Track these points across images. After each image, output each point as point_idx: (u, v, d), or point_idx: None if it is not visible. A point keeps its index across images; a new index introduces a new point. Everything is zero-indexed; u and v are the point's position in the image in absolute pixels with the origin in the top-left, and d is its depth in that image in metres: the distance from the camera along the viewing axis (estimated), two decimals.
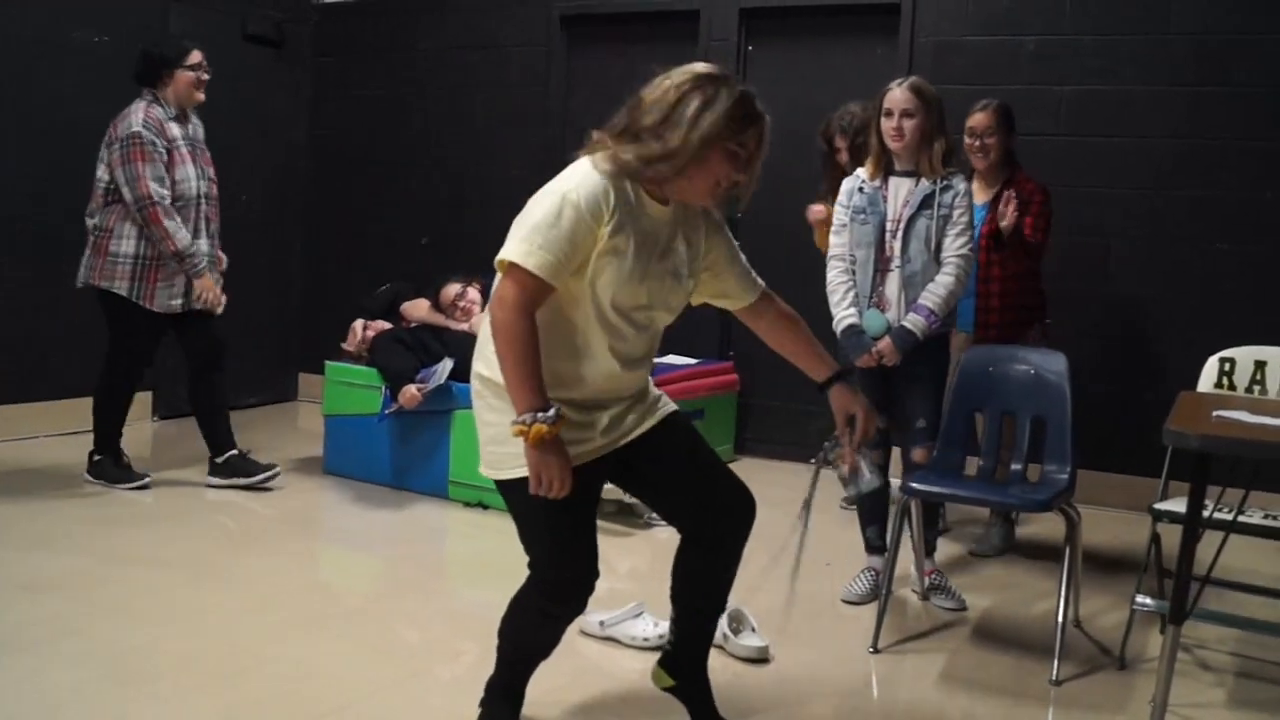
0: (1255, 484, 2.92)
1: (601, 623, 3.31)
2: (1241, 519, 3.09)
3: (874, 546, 3.81)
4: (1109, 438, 4.94)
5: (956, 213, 3.56)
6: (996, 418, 3.61)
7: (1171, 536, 3.19)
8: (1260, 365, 3.49)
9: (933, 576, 3.75)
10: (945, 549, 4.26)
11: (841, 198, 3.73)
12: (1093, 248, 5.11)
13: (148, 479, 4.78)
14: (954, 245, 3.55)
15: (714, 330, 5.91)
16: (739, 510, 2.56)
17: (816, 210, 4.50)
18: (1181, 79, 4.97)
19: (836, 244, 3.71)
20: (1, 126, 5.54)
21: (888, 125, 3.55)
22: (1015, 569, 4.19)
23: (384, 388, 4.86)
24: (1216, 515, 3.09)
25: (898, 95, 3.55)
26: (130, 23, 6.02)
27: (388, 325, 5.19)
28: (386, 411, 4.84)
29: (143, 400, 6.21)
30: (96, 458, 4.80)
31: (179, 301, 4.66)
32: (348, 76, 6.95)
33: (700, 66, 2.31)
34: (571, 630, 3.20)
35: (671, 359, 5.57)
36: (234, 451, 4.86)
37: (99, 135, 6.18)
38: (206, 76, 4.72)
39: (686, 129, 2.22)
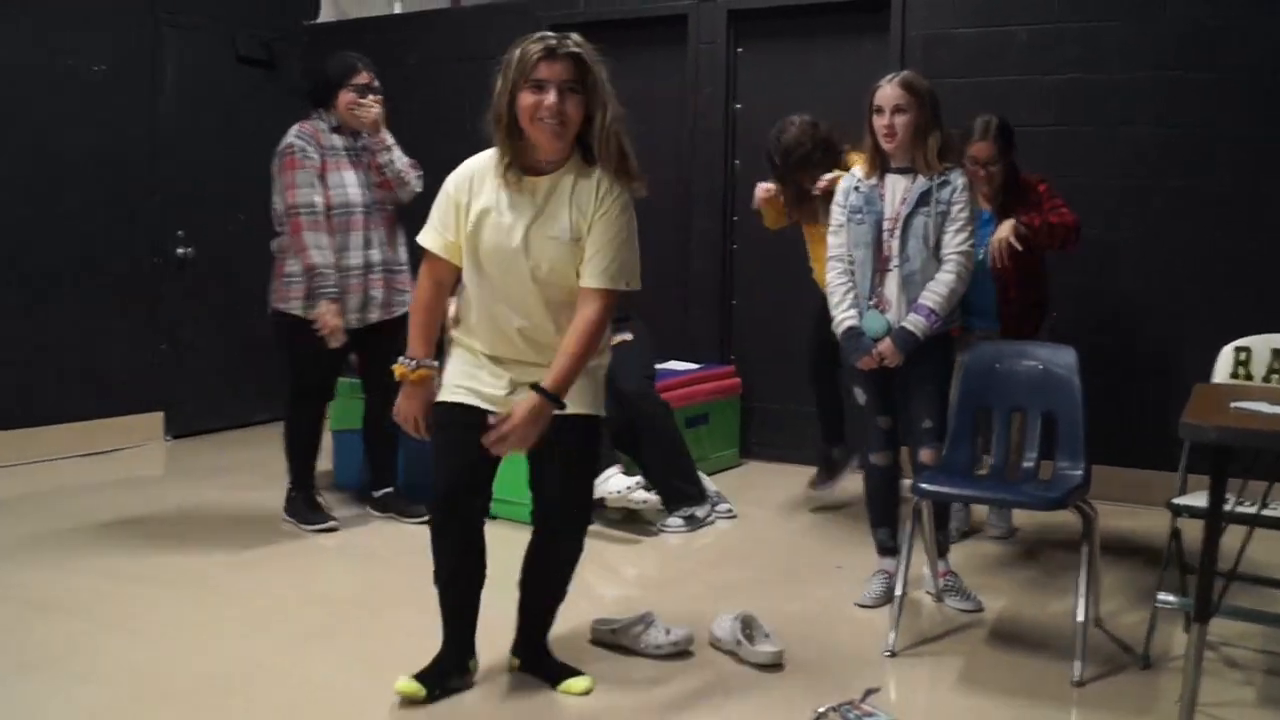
0: (1278, 475, 2.79)
1: (613, 630, 3.19)
2: (1265, 512, 2.96)
3: (886, 548, 3.68)
4: (1121, 432, 4.79)
5: (955, 208, 3.42)
6: (1005, 415, 3.48)
7: (1192, 531, 3.06)
8: (1277, 354, 3.35)
9: (947, 578, 3.62)
10: (960, 550, 4.12)
11: (838, 197, 3.62)
12: (1092, 238, 4.90)
13: (335, 523, 4.46)
14: (954, 242, 3.42)
15: (714, 334, 5.78)
16: (564, 529, 2.80)
17: (764, 189, 4.37)
18: (1171, 65, 4.82)
19: (834, 244, 3.58)
20: None
21: (879, 123, 3.43)
22: (1032, 568, 4.05)
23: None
24: (1238, 509, 2.95)
25: (888, 92, 3.43)
26: (124, 48, 5.93)
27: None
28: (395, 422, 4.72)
29: (154, 420, 6.12)
30: (292, 494, 4.58)
31: (354, 317, 4.33)
32: None
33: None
34: (581, 638, 3.14)
35: (673, 364, 5.45)
36: (389, 489, 4.66)
37: (95, 162, 6.08)
38: (365, 99, 4.39)
39: (495, 97, 2.54)
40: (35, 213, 5.59)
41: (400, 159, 4.45)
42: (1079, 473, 3.25)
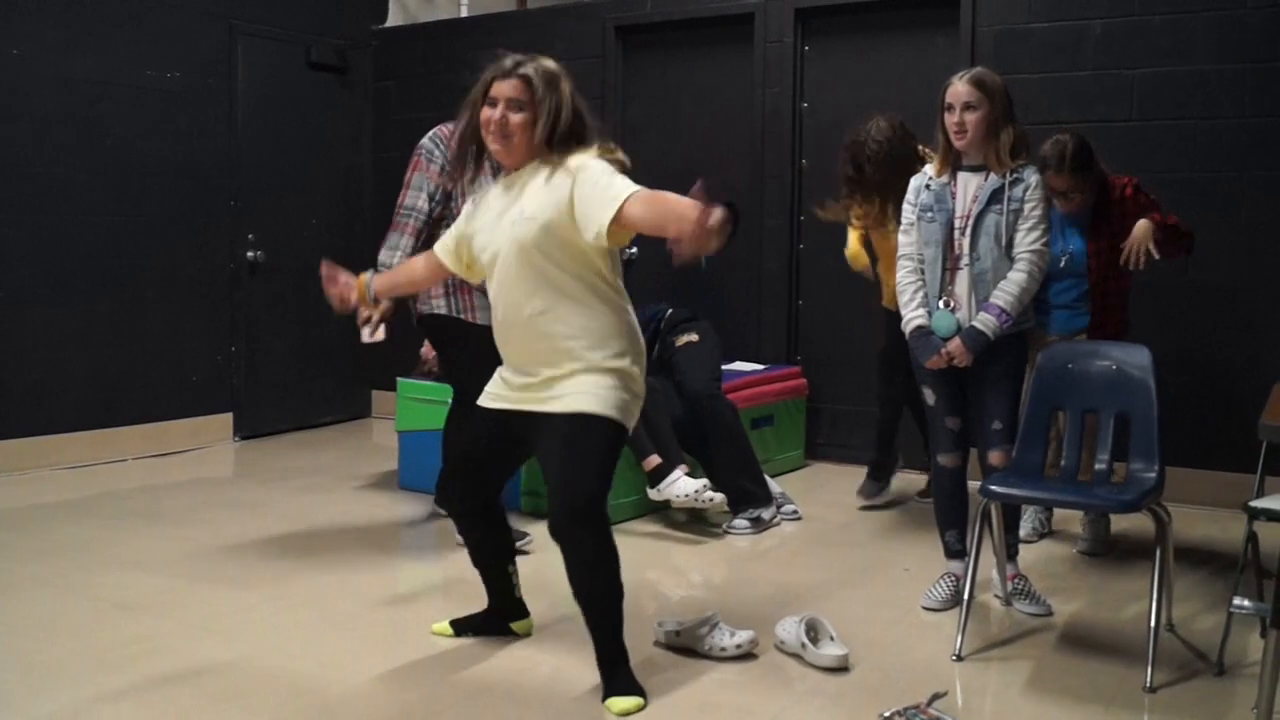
0: None
1: (677, 633, 3.21)
2: None
3: (954, 551, 3.66)
4: (1197, 433, 4.72)
5: (1028, 206, 3.40)
6: (1078, 416, 3.43)
7: (1269, 535, 3.02)
8: None
9: (1015, 581, 3.59)
10: (1030, 553, 4.09)
11: (909, 195, 3.60)
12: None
13: (529, 537, 4.25)
14: (1026, 240, 3.39)
15: (781, 335, 5.79)
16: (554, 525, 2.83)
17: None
18: (1256, 56, 4.73)
19: (905, 243, 3.57)
20: (78, 166, 5.61)
21: (950, 120, 3.42)
22: (1103, 572, 4.01)
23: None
24: None
25: (959, 88, 3.41)
26: (199, 58, 6.10)
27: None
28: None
29: (223, 420, 6.28)
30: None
31: None
32: (407, 99, 6.96)
33: None
34: (645, 640, 3.17)
35: (738, 365, 5.48)
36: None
37: (173, 170, 6.28)
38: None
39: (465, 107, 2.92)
40: (118, 220, 5.78)
41: None
42: (1153, 475, 3.21)
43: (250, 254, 6.36)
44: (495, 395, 2.96)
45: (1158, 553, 3.10)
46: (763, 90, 5.83)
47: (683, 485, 4.32)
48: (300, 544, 4.35)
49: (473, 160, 2.95)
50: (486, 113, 2.81)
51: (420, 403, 5.06)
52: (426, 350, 5.13)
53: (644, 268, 5.35)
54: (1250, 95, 4.75)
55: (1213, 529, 4.49)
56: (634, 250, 5.10)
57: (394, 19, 7.17)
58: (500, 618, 3.29)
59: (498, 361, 2.98)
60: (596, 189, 2.70)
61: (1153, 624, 3.03)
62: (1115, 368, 3.40)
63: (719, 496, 4.35)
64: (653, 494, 4.41)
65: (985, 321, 3.38)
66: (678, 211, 2.50)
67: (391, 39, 7.04)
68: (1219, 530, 4.45)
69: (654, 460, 4.39)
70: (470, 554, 3.25)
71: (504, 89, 2.79)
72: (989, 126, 3.40)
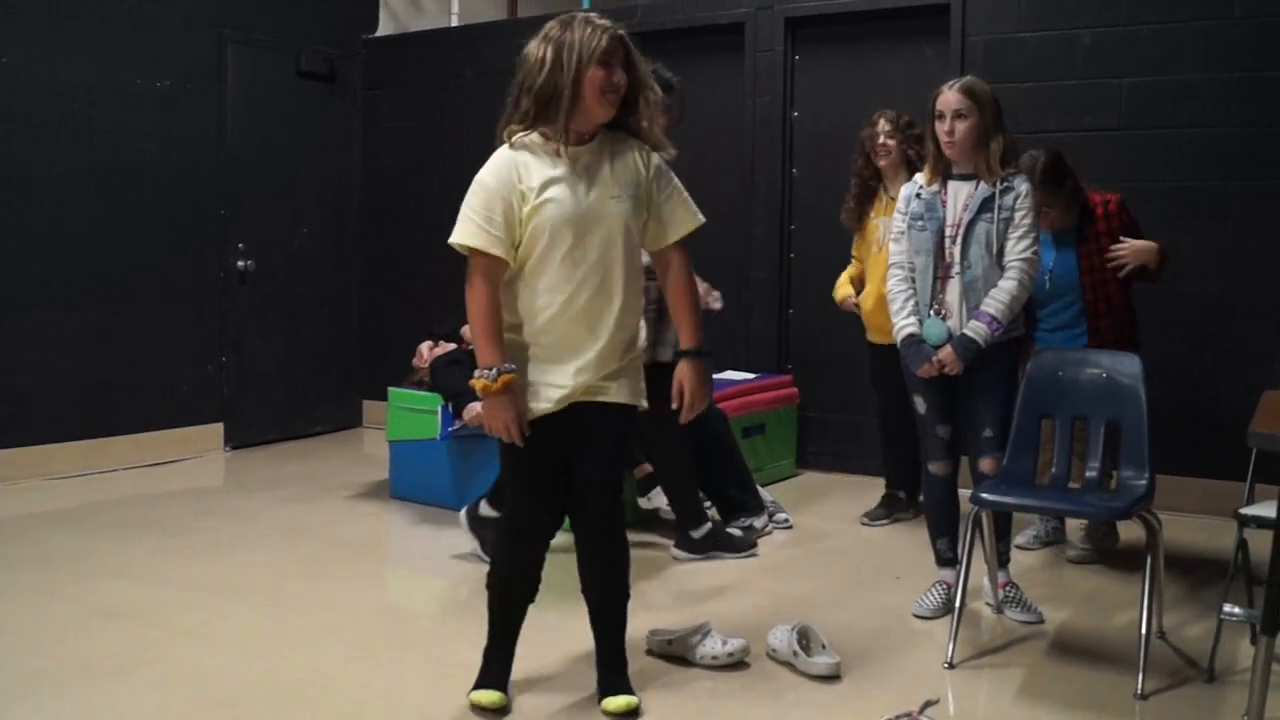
0: None
1: (669, 641, 3.22)
2: None
3: (945, 559, 3.68)
4: (1187, 441, 4.75)
5: (1019, 215, 3.42)
6: (1068, 424, 3.46)
7: (1259, 542, 3.03)
8: None
9: (1007, 589, 3.61)
10: (1021, 560, 4.11)
11: (900, 204, 3.63)
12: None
13: (755, 548, 4.32)
14: (1017, 248, 3.42)
15: (771, 344, 5.81)
16: (609, 527, 2.81)
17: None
18: (1243, 65, 4.78)
19: (895, 251, 3.60)
20: (67, 173, 5.61)
21: (940, 129, 3.45)
22: (1094, 579, 4.03)
23: (442, 407, 4.86)
24: None
25: (949, 97, 3.44)
26: (187, 65, 6.11)
27: (453, 347, 5.17)
28: (449, 429, 4.82)
29: (214, 430, 6.27)
30: (698, 532, 4.27)
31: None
32: (397, 108, 6.98)
33: (549, 25, 2.70)
34: (637, 649, 3.17)
35: (729, 374, 5.49)
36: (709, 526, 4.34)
37: (162, 177, 6.29)
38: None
39: (555, 70, 2.61)
40: (107, 228, 5.78)
41: None
42: (1143, 483, 3.23)
43: (240, 263, 6.37)
44: (561, 396, 2.69)
45: (1148, 560, 3.12)
46: (753, 99, 5.86)
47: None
48: (290, 553, 4.35)
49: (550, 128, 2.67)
50: (602, 74, 2.60)
51: (411, 412, 5.06)
52: (418, 359, 5.14)
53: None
54: (1237, 104, 4.80)
55: (1203, 536, 4.51)
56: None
57: (384, 28, 7.19)
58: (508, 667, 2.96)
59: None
60: (680, 195, 2.79)
61: (1144, 631, 3.05)
62: (1105, 376, 3.42)
63: (704, 527, 4.29)
64: (643, 502, 4.42)
65: (976, 330, 3.40)
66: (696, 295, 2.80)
67: (381, 48, 7.06)
68: (1209, 538, 4.47)
69: (645, 468, 4.40)
70: (515, 600, 2.90)
71: (615, 50, 2.63)
72: (979, 135, 3.43)
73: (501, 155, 2.68)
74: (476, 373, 2.61)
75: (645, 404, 2.82)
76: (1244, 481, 3.29)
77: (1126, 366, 3.41)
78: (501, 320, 2.66)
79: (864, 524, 4.71)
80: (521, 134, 2.66)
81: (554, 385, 2.68)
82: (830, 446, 5.75)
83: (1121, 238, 4.02)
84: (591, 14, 2.68)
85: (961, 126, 3.42)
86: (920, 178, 3.59)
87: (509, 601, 2.88)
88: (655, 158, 2.76)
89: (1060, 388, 3.47)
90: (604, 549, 2.81)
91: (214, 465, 6.04)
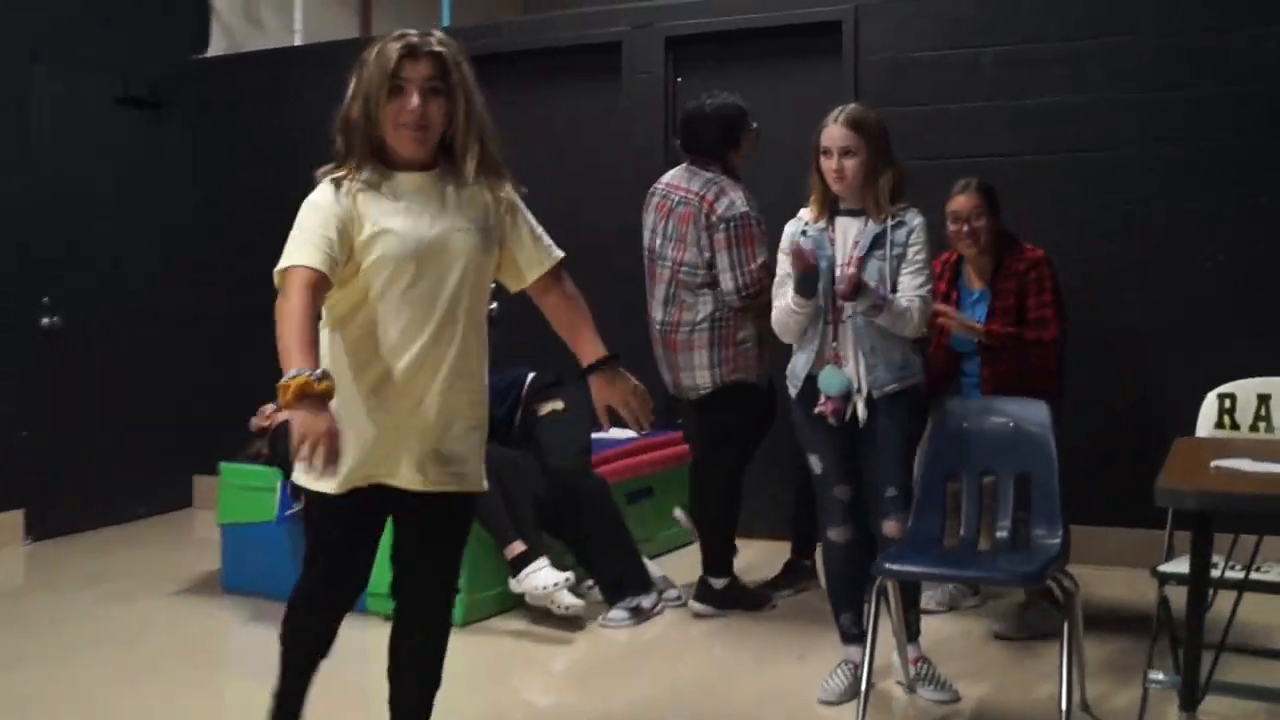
0: (1270, 527, 2.90)
1: None
2: (1256, 575, 3.06)
3: (850, 636, 3.74)
4: (1106, 489, 4.90)
5: (911, 250, 3.55)
6: (975, 480, 3.58)
7: (1183, 599, 3.15)
8: (1264, 400, 3.49)
9: (918, 665, 3.69)
10: (933, 629, 4.19)
11: (784, 243, 3.72)
12: (1068, 273, 5.04)
13: (774, 603, 4.65)
14: (911, 285, 3.54)
15: (659, 397, 5.83)
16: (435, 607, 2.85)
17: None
18: (1151, 84, 5.04)
19: (780, 296, 3.68)
20: None
21: (827, 165, 3.57)
22: (1012, 649, 4.13)
23: (283, 483, 4.78)
24: (1229, 571, 3.05)
25: (834, 132, 3.56)
26: None
27: None
28: (287, 512, 4.75)
29: (11, 520, 6.06)
30: (719, 583, 4.58)
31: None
32: (236, 137, 6.91)
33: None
34: None
35: (612, 432, 5.50)
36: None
37: None
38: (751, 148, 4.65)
39: (353, 99, 2.62)
40: None
41: None
42: (1056, 541, 3.36)
43: (45, 319, 6.19)
44: (386, 465, 2.66)
45: (1065, 628, 3.22)
46: (631, 126, 5.96)
47: (542, 577, 4.34)
48: (106, 662, 4.23)
49: (371, 162, 2.65)
50: (395, 101, 2.58)
51: (246, 490, 4.99)
52: (260, 419, 5.06)
53: (503, 324, 5.38)
54: (1149, 124, 5.04)
55: (1127, 591, 4.66)
56: (494, 305, 5.15)
57: (216, 47, 7.13)
58: None
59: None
60: (535, 229, 2.82)
61: (1064, 706, 3.15)
62: (1012, 425, 3.56)
63: (576, 604, 4.35)
64: (513, 585, 4.41)
65: (876, 287, 3.48)
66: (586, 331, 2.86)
67: (215, 70, 6.98)
68: (1134, 592, 4.60)
69: (517, 547, 4.39)
70: (304, 676, 2.91)
71: (420, 70, 2.58)
72: (868, 170, 3.55)
73: (327, 184, 2.65)
74: (288, 373, 2.35)
75: (486, 487, 2.82)
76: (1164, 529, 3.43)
77: (1034, 415, 3.55)
78: (315, 328, 2.52)
79: (766, 597, 4.77)
80: (339, 174, 2.63)
81: (378, 451, 2.63)
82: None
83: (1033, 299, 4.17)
84: (408, 32, 2.63)
85: (850, 164, 3.54)
86: (805, 213, 3.70)
87: (300, 664, 2.86)
88: (508, 189, 2.78)
89: (966, 440, 3.60)
90: (424, 638, 2.82)
91: (11, 561, 5.83)
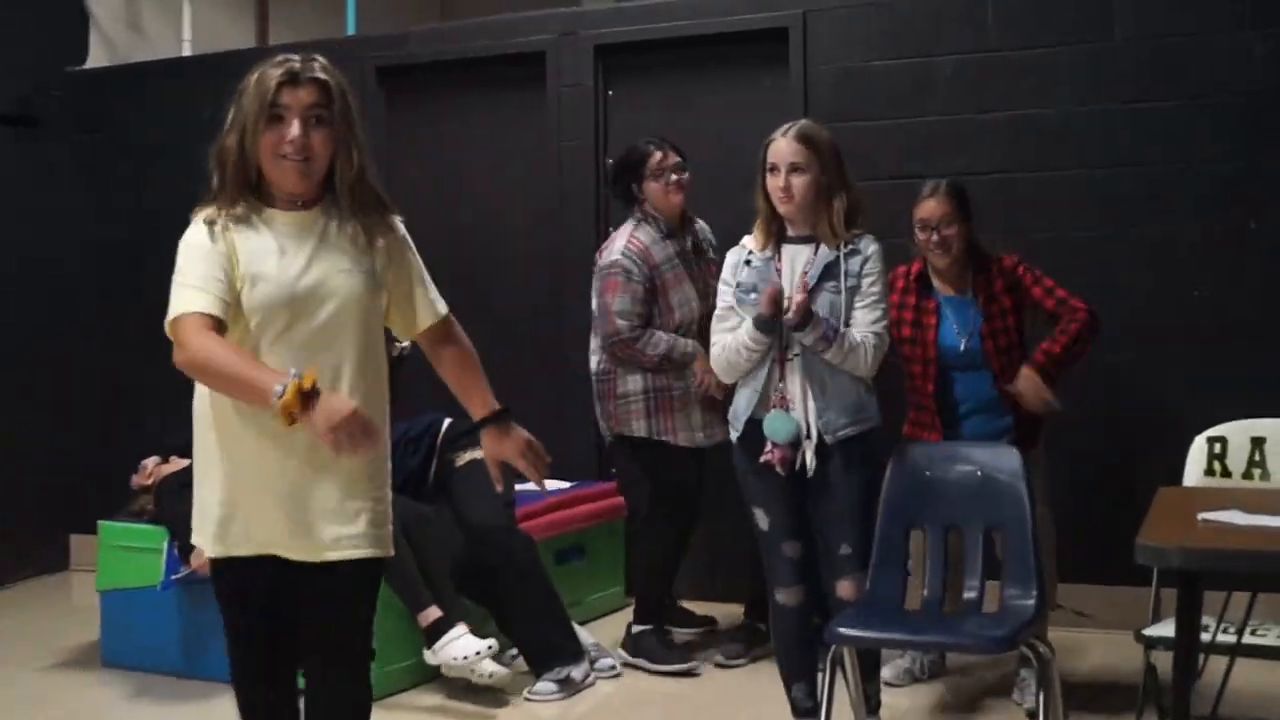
0: (1266, 584, 2.87)
1: None
2: (1251, 639, 3.02)
3: (803, 709, 3.69)
4: (1087, 541, 4.84)
5: (866, 281, 3.52)
6: (940, 534, 3.53)
7: (1169, 664, 3.10)
8: (1258, 443, 3.48)
9: None
10: (896, 699, 4.12)
11: (725, 273, 3.70)
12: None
13: (698, 665, 4.71)
14: (866, 319, 3.51)
15: (591, 444, 5.76)
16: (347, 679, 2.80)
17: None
18: (1128, 95, 5.01)
19: (720, 331, 3.65)
20: None
21: (773, 184, 3.53)
22: (987, 716, 4.06)
23: (168, 546, 4.69)
24: (1221, 636, 3.01)
25: (782, 146, 3.53)
26: None
27: (188, 464, 5.00)
28: (173, 577, 4.65)
29: None
30: (638, 629, 4.76)
31: (703, 434, 4.71)
32: (120, 158, 6.77)
33: None
34: None
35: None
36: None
37: None
38: (676, 178, 4.77)
39: (230, 129, 2.64)
40: None
41: None
42: (1031, 603, 3.30)
43: None
44: (270, 532, 2.67)
45: (1041, 698, 3.17)
46: (558, 144, 5.89)
47: (460, 646, 4.27)
48: None
49: (246, 198, 2.66)
50: (274, 131, 2.59)
51: (127, 552, 4.89)
52: (141, 475, 4.95)
53: (414, 366, 5.27)
54: (1128, 139, 5.01)
55: (1110, 654, 4.61)
56: (406, 344, 5.08)
57: (96, 59, 7.01)
58: None
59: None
60: (421, 281, 2.81)
61: None
62: (980, 474, 3.52)
63: (500, 671, 4.31)
64: (429, 656, 4.33)
65: (825, 316, 3.44)
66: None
67: (95, 83, 6.86)
68: (1118, 657, 4.55)
69: (432, 614, 4.33)
70: None
71: (300, 97, 2.59)
72: (819, 190, 3.52)
73: (199, 224, 2.65)
74: (274, 394, 2.36)
75: (392, 551, 2.76)
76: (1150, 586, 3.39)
77: (1005, 462, 3.52)
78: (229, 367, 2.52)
79: (717, 665, 4.70)
80: (210, 212, 2.64)
81: (261, 519, 2.63)
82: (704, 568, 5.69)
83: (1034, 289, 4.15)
84: (290, 57, 2.64)
85: (799, 182, 3.51)
86: (749, 241, 3.65)
87: None
88: (397, 226, 2.77)
89: (928, 490, 3.56)
90: (340, 714, 2.79)
91: None
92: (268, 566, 2.66)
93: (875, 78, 5.38)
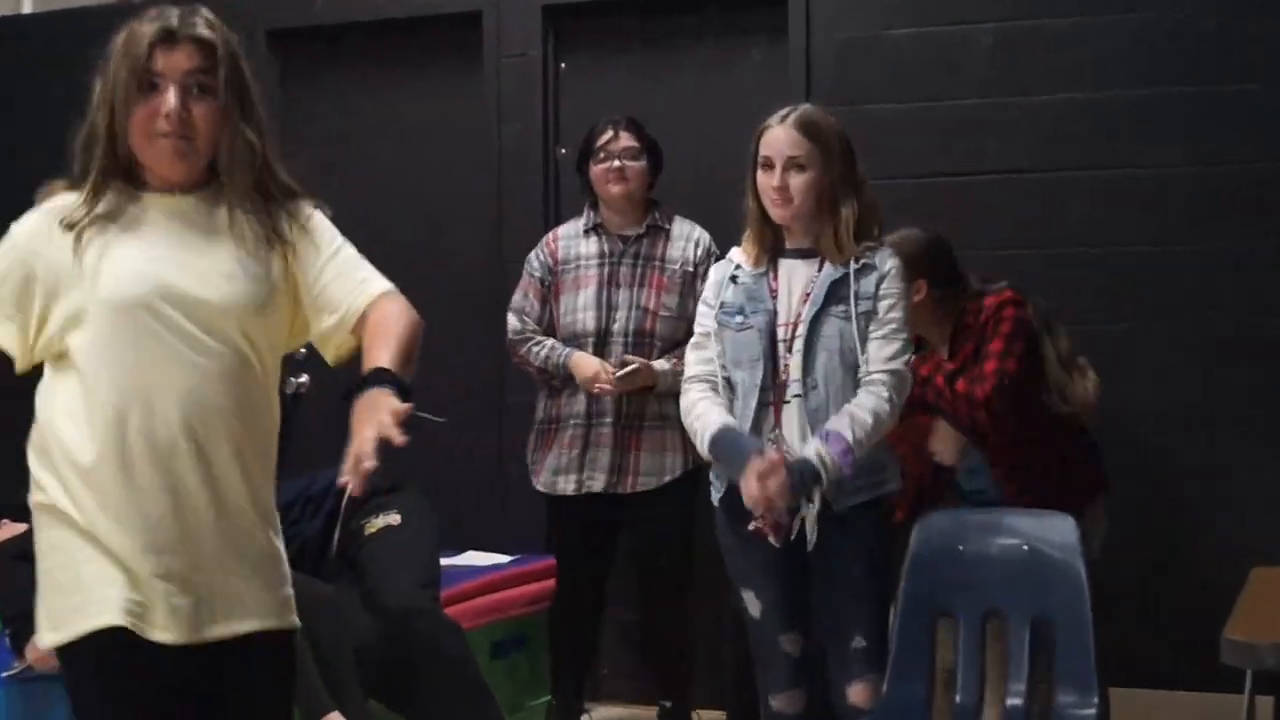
0: None
1: None
2: None
3: None
4: (1156, 638, 4.85)
5: (884, 305, 3.52)
6: (976, 624, 3.52)
7: None
8: None
9: None
10: None
11: (707, 292, 3.73)
12: (1095, 344, 4.95)
13: None
14: (882, 354, 3.50)
15: (535, 507, 5.71)
16: None
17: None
18: (1204, 77, 5.00)
19: (696, 361, 3.67)
20: None
21: (766, 183, 3.55)
22: None
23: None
24: None
25: (779, 136, 3.55)
26: None
27: (23, 529, 4.95)
28: (4, 674, 4.56)
29: None
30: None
31: (570, 480, 4.86)
32: None
33: None
34: None
35: (469, 558, 5.39)
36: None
37: None
38: (619, 164, 4.89)
39: (98, 106, 2.64)
40: None
41: None
42: (1091, 711, 3.31)
43: None
44: (130, 600, 2.63)
45: None
46: (498, 128, 5.88)
47: None
48: None
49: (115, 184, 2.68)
50: (153, 102, 2.58)
51: None
52: None
53: (316, 406, 5.22)
54: (1203, 131, 5.00)
55: None
56: (304, 379, 5.04)
57: None
58: None
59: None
60: (344, 259, 2.78)
61: None
62: (1027, 548, 3.50)
63: None
64: None
65: (821, 453, 3.41)
66: (415, 332, 2.70)
67: None
68: None
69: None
70: None
71: (178, 61, 2.59)
72: (822, 193, 3.52)
73: (41, 216, 2.68)
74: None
75: (297, 622, 2.80)
76: (1242, 693, 3.37)
77: (1058, 533, 3.51)
78: None
79: None
80: (65, 206, 2.64)
81: (115, 582, 2.60)
82: (631, 665, 5.67)
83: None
84: (167, 10, 2.63)
85: (799, 182, 3.52)
86: (737, 253, 3.66)
87: None
88: (309, 211, 2.78)
89: (961, 568, 3.55)
90: None
91: None
92: (156, 651, 2.61)
93: (893, 50, 5.35)
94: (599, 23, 5.85)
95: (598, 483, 4.73)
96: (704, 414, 3.60)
